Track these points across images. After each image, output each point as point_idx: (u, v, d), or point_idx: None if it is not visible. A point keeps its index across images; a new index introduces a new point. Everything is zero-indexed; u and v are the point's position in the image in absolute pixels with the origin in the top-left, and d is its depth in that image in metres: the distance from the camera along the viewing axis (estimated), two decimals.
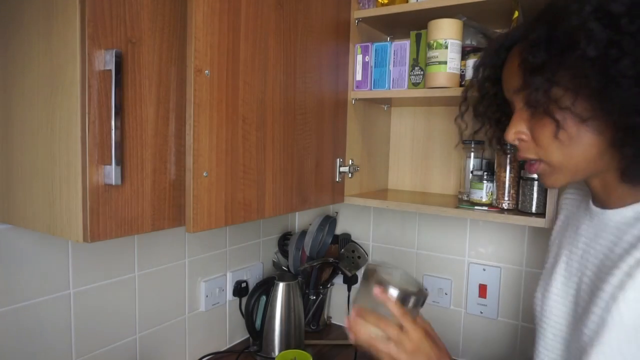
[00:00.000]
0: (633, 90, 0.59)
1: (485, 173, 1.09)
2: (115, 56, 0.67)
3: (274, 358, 1.27)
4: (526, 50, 0.66)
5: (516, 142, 0.72)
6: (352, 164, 1.23)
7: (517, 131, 0.71)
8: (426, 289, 0.81)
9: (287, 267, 1.50)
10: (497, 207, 1.06)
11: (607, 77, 0.60)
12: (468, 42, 1.11)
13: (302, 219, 1.65)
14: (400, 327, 0.73)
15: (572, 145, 0.66)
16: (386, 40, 1.20)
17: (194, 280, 1.27)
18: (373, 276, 0.76)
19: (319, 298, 1.48)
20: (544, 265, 0.91)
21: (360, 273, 1.52)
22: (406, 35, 1.19)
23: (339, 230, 1.56)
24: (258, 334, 1.33)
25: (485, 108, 0.80)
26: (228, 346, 1.40)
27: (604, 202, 0.74)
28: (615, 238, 0.70)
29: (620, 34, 0.58)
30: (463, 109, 0.87)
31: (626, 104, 0.60)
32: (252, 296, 1.30)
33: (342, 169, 1.20)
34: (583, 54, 0.60)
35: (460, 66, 1.07)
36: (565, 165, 0.69)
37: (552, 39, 0.63)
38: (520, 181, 1.03)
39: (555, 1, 0.66)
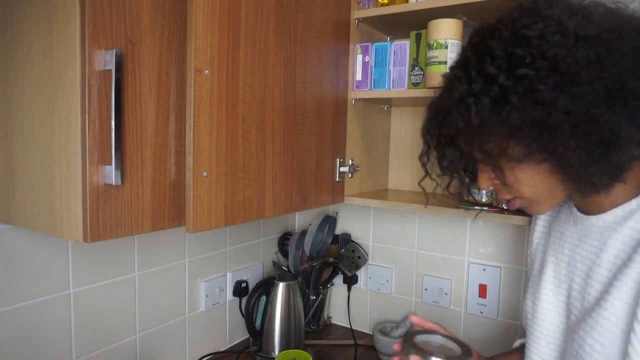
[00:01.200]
0: (533, 134, 0.62)
1: None
2: (115, 56, 0.67)
3: (274, 358, 1.27)
4: (443, 121, 0.71)
5: (491, 188, 0.76)
6: (352, 164, 1.23)
7: (487, 178, 0.75)
8: (470, 348, 0.79)
9: (287, 267, 1.50)
10: (497, 207, 1.06)
11: (508, 130, 0.64)
12: None
13: (302, 219, 1.65)
14: None
15: (532, 179, 0.69)
16: (386, 40, 1.20)
17: (194, 280, 1.27)
18: (411, 348, 0.74)
19: (319, 298, 1.48)
20: (530, 272, 0.92)
21: (360, 273, 1.52)
22: (406, 35, 1.19)
23: (339, 230, 1.56)
24: (258, 334, 1.33)
25: (448, 163, 0.81)
26: (228, 346, 1.40)
27: (585, 210, 0.76)
28: (599, 243, 0.72)
29: (503, 91, 0.62)
30: (423, 174, 0.88)
31: (534, 149, 0.64)
32: (252, 296, 1.30)
33: (342, 169, 1.20)
34: (472, 123, 0.65)
35: None
36: (539, 196, 0.71)
37: (452, 111, 0.68)
38: None
39: (449, 74, 0.72)
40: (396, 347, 0.79)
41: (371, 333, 1.45)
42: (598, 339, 0.66)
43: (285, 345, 1.30)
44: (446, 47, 1.04)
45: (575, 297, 0.75)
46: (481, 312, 1.32)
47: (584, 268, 0.73)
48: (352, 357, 1.34)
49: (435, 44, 1.05)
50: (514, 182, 0.70)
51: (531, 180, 0.69)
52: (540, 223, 0.89)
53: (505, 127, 0.64)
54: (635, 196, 0.69)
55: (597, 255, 0.71)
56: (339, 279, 1.52)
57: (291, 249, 1.47)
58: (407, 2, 1.13)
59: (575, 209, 0.79)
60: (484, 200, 1.08)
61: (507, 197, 0.74)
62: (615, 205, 0.70)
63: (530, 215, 0.99)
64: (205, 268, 1.30)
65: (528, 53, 0.61)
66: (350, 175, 1.23)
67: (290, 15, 0.97)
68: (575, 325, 0.73)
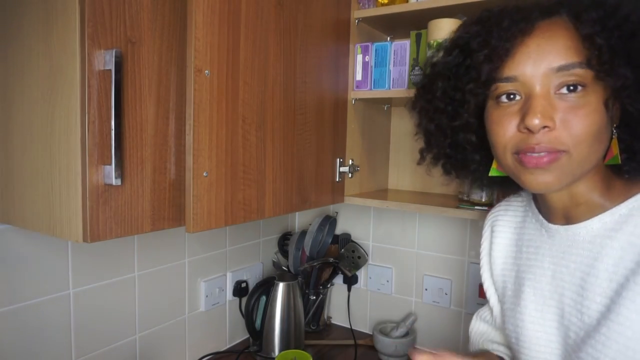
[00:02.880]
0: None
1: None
2: (115, 56, 0.67)
3: (274, 358, 1.27)
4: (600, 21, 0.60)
5: (537, 130, 0.61)
6: (352, 164, 1.23)
7: (548, 116, 0.61)
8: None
9: (287, 267, 1.50)
10: None
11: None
12: None
13: (302, 219, 1.65)
14: None
15: (599, 135, 0.62)
16: (386, 40, 1.20)
17: (194, 280, 1.27)
18: None
19: (319, 298, 1.48)
20: (492, 298, 0.86)
21: (360, 273, 1.52)
22: (406, 35, 1.19)
23: (339, 230, 1.56)
24: (258, 334, 1.33)
25: (465, 134, 0.72)
26: (228, 346, 1.40)
27: (566, 218, 0.71)
28: (590, 252, 0.67)
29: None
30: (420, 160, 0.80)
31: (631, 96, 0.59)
32: (252, 296, 1.30)
33: (342, 169, 1.20)
34: None
35: None
36: (583, 162, 0.62)
37: None
38: None
39: None
40: None
41: (371, 333, 1.44)
42: (615, 356, 0.61)
43: (285, 345, 1.30)
44: None
45: (570, 313, 0.69)
46: None
47: (575, 280, 0.68)
48: (352, 357, 1.34)
49: (435, 44, 1.05)
50: (597, 128, 0.61)
51: (601, 137, 0.62)
52: (501, 242, 0.83)
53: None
54: (622, 201, 0.66)
55: (591, 265, 0.66)
56: (339, 279, 1.52)
57: (291, 249, 1.47)
58: (407, 2, 1.13)
59: (545, 221, 0.74)
60: (484, 200, 1.08)
61: (558, 147, 0.61)
62: (604, 209, 0.66)
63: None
64: (205, 268, 1.30)
65: None
66: (350, 175, 1.23)
67: (290, 15, 0.97)
68: (580, 342, 0.66)
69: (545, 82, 0.62)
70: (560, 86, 0.61)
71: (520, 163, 0.64)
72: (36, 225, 0.76)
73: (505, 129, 0.65)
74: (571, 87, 0.61)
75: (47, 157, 0.72)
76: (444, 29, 1.05)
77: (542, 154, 0.62)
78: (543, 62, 0.62)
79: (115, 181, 0.69)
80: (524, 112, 0.63)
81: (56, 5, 0.68)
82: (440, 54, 0.75)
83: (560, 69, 0.61)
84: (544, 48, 0.62)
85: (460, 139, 0.74)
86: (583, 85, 0.61)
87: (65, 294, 0.97)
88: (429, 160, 0.82)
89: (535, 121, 0.60)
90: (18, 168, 0.78)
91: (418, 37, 1.13)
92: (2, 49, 0.78)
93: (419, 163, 0.82)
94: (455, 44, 0.71)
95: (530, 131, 0.62)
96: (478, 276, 1.31)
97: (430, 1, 1.06)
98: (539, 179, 0.64)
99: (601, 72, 0.59)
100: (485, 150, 0.74)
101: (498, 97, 0.66)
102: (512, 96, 0.65)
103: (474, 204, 1.09)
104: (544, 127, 0.61)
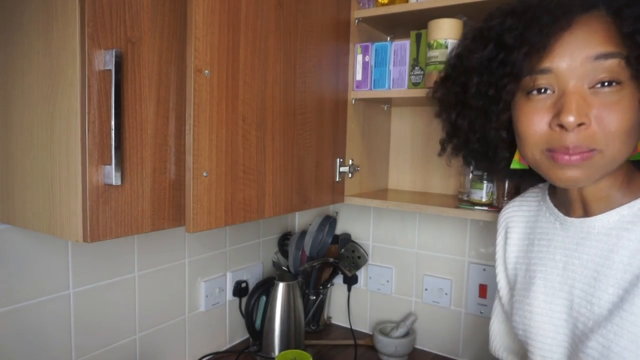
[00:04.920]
0: None
1: (485, 173, 1.08)
2: (115, 56, 0.67)
3: (274, 358, 1.27)
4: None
5: (572, 128, 0.60)
6: (352, 164, 1.23)
7: (584, 113, 0.60)
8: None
9: (287, 267, 1.50)
10: (497, 207, 1.06)
11: None
12: None
13: (302, 219, 1.65)
14: None
15: (632, 132, 0.60)
16: (386, 40, 1.20)
17: (194, 280, 1.27)
18: None
19: (319, 298, 1.48)
20: (503, 290, 0.87)
21: (360, 273, 1.52)
22: (406, 35, 1.19)
23: (339, 230, 1.56)
24: (258, 334, 1.33)
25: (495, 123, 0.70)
26: (228, 346, 1.40)
27: (584, 212, 0.71)
28: (605, 244, 0.67)
29: None
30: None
31: None
32: (252, 296, 1.30)
33: (342, 168, 1.20)
34: None
35: None
36: (615, 159, 0.62)
37: None
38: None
39: None
40: None
41: (371, 333, 1.44)
42: (627, 345, 0.61)
43: (285, 345, 1.30)
44: (446, 47, 1.04)
45: (580, 304, 0.69)
46: (481, 312, 1.32)
47: (587, 272, 0.68)
48: (352, 357, 1.34)
49: (435, 44, 1.05)
50: (633, 126, 0.60)
51: (635, 134, 0.61)
52: (515, 237, 0.84)
53: None
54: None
55: (606, 257, 0.66)
56: (339, 279, 1.52)
57: (291, 249, 1.47)
58: (407, 2, 1.13)
59: (560, 214, 0.74)
60: (484, 200, 1.08)
61: (593, 146, 0.61)
62: (622, 202, 0.66)
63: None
64: (205, 268, 1.30)
65: None
66: (350, 175, 1.23)
67: (290, 15, 0.97)
68: (589, 332, 0.66)
69: (581, 74, 0.60)
70: (595, 82, 0.60)
71: (551, 159, 0.64)
72: (36, 225, 0.76)
73: (536, 125, 0.64)
74: (606, 83, 0.60)
75: (47, 157, 0.72)
76: (444, 29, 1.05)
77: (576, 157, 0.61)
78: (581, 53, 0.60)
79: (115, 181, 0.69)
80: (558, 109, 0.61)
81: (56, 4, 0.68)
82: (466, 43, 0.72)
83: (598, 57, 0.59)
84: (582, 38, 0.60)
85: (491, 136, 0.73)
86: (619, 82, 0.59)
87: (65, 294, 0.97)
88: (449, 151, 0.81)
89: (570, 118, 0.59)
90: (18, 168, 0.78)
91: (418, 37, 1.13)
92: (2, 49, 0.78)
93: (439, 154, 0.82)
94: (488, 37, 0.68)
95: (563, 128, 0.61)
96: (478, 276, 1.32)
97: (430, 1, 1.06)
98: (568, 174, 0.63)
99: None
100: (514, 146, 0.73)
101: (530, 90, 0.65)
102: (543, 90, 0.64)
103: (474, 204, 1.09)
104: (580, 124, 0.59)
